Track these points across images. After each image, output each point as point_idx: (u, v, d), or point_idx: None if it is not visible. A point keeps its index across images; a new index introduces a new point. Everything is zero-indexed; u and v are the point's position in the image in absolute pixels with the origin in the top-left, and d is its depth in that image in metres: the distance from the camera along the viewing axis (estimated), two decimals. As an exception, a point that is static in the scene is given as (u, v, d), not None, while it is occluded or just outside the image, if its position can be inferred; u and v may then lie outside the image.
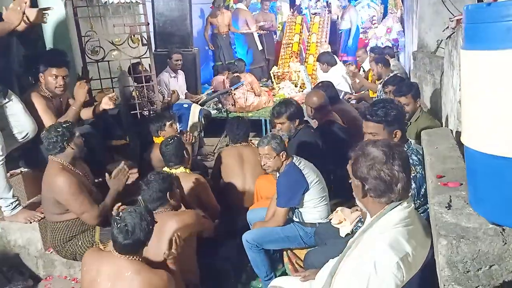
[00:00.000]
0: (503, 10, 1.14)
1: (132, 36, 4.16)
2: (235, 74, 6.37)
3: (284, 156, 3.00)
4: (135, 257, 2.23)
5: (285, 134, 3.49)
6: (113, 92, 4.01)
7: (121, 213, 2.24)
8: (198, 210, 3.12)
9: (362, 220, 2.61)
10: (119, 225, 2.17)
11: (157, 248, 2.56)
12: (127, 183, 3.17)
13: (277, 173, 3.11)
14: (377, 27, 8.08)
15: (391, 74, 4.88)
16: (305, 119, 3.77)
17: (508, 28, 1.13)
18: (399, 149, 1.68)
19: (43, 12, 3.00)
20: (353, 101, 5.66)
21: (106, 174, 3.05)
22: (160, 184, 2.73)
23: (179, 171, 3.32)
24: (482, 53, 1.21)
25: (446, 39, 3.25)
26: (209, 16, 7.98)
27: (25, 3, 2.81)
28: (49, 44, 4.21)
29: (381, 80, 4.92)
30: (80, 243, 3.02)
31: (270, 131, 4.79)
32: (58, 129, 2.89)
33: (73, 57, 4.28)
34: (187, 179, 3.29)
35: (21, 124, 3.14)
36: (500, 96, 1.18)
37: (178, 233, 2.55)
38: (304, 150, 3.28)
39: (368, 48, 7.11)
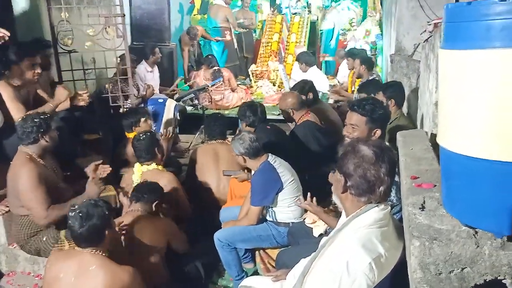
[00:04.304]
0: (483, 9, 1.13)
1: (107, 27, 4.06)
2: (215, 68, 6.30)
3: (243, 159, 3.01)
4: (98, 251, 2.19)
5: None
6: (86, 86, 3.92)
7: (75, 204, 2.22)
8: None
9: (328, 230, 2.61)
10: (73, 213, 2.14)
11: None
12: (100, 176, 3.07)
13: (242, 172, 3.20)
14: (356, 29, 8.14)
15: (371, 78, 4.93)
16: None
17: (487, 28, 1.12)
18: (389, 153, 1.67)
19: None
20: (331, 101, 5.68)
21: (90, 178, 2.96)
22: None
23: (151, 167, 3.26)
24: (460, 52, 1.20)
25: (423, 42, 3.27)
26: (184, 46, 7.62)
27: None
28: (20, 33, 4.06)
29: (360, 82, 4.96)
30: (45, 239, 2.92)
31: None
32: (36, 120, 2.82)
33: (49, 50, 4.14)
34: (159, 176, 3.23)
35: None
36: (477, 96, 1.16)
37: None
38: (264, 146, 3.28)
39: (346, 49, 7.16)
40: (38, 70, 3.35)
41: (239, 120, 3.86)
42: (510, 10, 1.08)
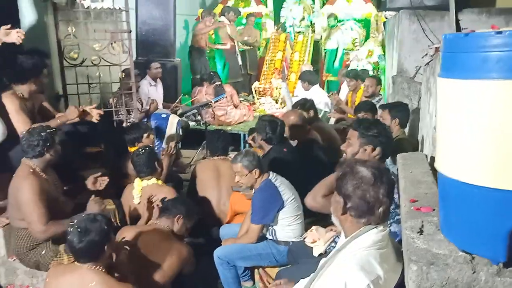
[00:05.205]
0: (480, 41, 1.16)
1: (113, 42, 4.12)
2: (217, 83, 6.36)
3: (257, 173, 2.98)
4: (98, 267, 2.18)
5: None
6: (90, 101, 3.96)
7: (75, 219, 2.21)
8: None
9: (336, 240, 2.61)
10: (72, 229, 2.14)
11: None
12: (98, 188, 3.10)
13: (252, 190, 3.10)
14: (358, 49, 8.22)
15: (377, 98, 5.03)
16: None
17: (484, 59, 1.15)
18: (388, 174, 1.69)
19: (17, 32, 3.02)
20: (332, 121, 5.71)
21: (93, 196, 2.98)
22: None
23: (150, 182, 3.27)
24: (457, 81, 1.23)
25: (425, 65, 3.32)
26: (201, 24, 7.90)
27: None
28: (27, 46, 4.12)
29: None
30: (44, 252, 2.91)
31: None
32: (42, 134, 2.82)
33: (50, 60, 4.20)
34: (158, 191, 3.24)
35: None
36: (473, 125, 1.19)
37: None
38: (275, 168, 3.26)
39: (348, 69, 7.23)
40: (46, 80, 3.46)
41: (257, 132, 3.74)
42: (506, 43, 1.12)
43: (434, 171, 2.05)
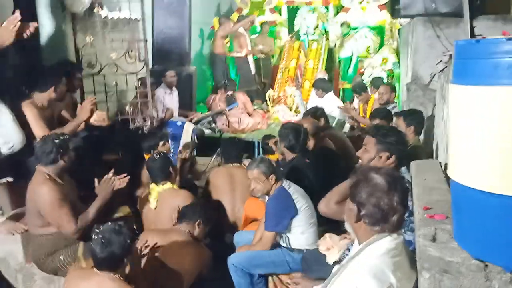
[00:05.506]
0: (491, 47, 1.17)
1: (130, 51, 4.19)
2: (229, 93, 6.42)
3: (273, 179, 2.98)
4: (117, 275, 2.20)
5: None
6: (107, 110, 4.03)
7: (101, 226, 2.24)
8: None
9: (350, 247, 2.60)
10: (96, 237, 2.18)
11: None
12: (118, 187, 3.06)
13: (267, 196, 3.10)
14: (373, 57, 8.19)
15: (392, 105, 5.01)
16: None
17: (495, 65, 1.15)
18: (402, 181, 1.68)
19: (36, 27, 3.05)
20: (347, 126, 5.69)
21: (95, 180, 3.01)
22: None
23: (166, 186, 3.32)
24: (469, 88, 1.23)
25: (439, 72, 3.30)
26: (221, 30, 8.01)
27: (19, 21, 2.84)
28: (45, 54, 4.22)
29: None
30: (62, 258, 2.94)
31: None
32: (56, 140, 2.86)
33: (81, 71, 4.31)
34: (175, 195, 3.30)
35: (8, 134, 3.10)
36: (485, 131, 1.19)
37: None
38: (293, 176, 3.25)
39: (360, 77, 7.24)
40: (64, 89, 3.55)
41: (279, 138, 3.70)
42: (517, 49, 1.12)
43: (448, 179, 2.04)
